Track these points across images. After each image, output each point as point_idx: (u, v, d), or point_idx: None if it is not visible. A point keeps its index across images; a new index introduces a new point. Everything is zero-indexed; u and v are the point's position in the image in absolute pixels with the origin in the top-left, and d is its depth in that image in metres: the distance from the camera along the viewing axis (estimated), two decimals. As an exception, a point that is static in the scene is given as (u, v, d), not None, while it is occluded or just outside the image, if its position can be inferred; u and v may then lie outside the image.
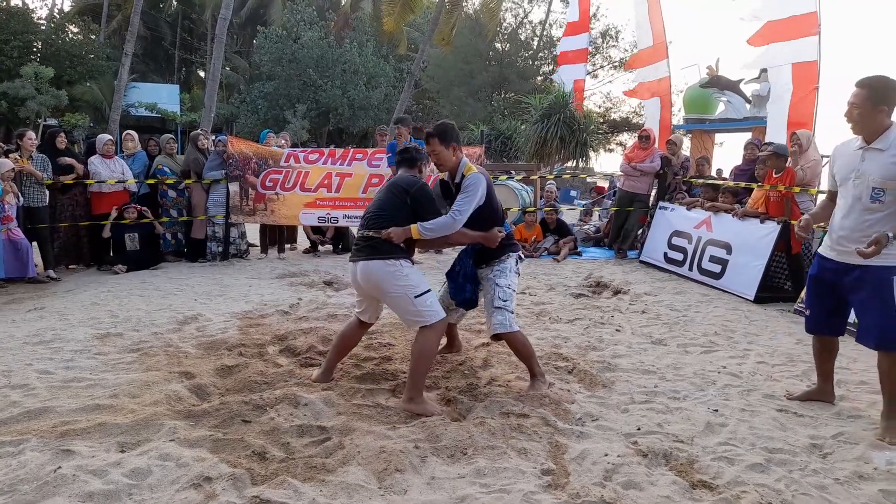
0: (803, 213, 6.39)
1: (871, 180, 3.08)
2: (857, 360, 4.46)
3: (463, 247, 3.71)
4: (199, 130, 8.57)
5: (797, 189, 6.30)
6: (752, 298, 6.27)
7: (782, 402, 3.61)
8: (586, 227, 10.51)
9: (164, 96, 25.29)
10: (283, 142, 8.85)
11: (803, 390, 3.69)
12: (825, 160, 9.68)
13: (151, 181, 7.74)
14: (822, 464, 2.86)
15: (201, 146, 8.03)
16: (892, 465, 2.84)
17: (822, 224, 3.87)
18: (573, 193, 18.12)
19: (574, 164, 16.44)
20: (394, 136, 7.92)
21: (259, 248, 8.47)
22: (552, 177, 11.44)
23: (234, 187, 7.88)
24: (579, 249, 9.01)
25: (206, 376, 3.71)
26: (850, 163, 3.21)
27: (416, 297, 3.30)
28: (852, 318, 3.73)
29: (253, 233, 8.84)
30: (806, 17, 8.88)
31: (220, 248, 7.82)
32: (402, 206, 3.39)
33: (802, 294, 5.86)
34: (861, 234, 3.13)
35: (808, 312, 3.55)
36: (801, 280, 6.18)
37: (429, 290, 3.38)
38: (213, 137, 8.61)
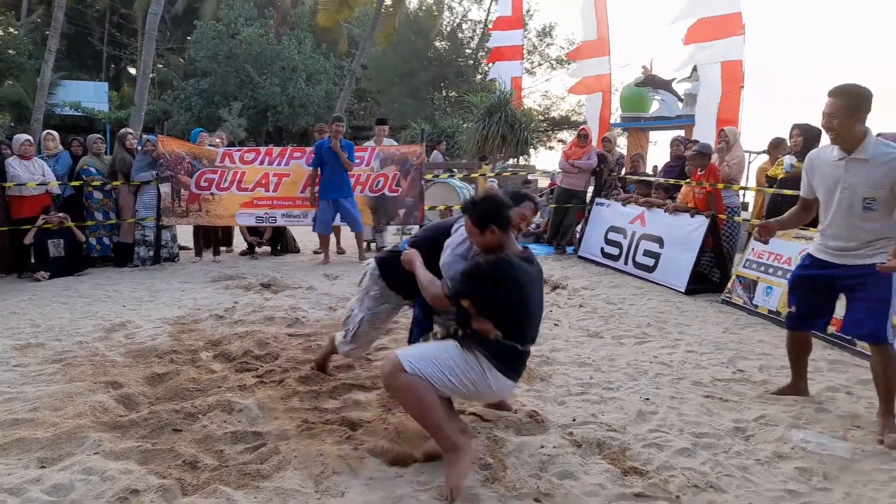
0: (727, 208, 6.71)
1: (862, 191, 3.07)
2: (778, 347, 4.69)
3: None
4: (126, 129, 8.20)
5: (721, 185, 6.57)
6: (683, 290, 6.50)
7: (709, 389, 3.76)
8: (526, 223, 10.65)
9: (90, 94, 24.17)
10: (217, 140, 8.60)
11: (779, 387, 3.71)
12: (753, 156, 10.11)
13: (76, 183, 7.39)
14: (745, 445, 3.00)
15: (129, 146, 7.72)
16: (807, 443, 3.00)
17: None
18: (515, 191, 18.28)
19: (515, 162, 16.66)
20: (328, 134, 7.77)
21: (193, 251, 8.20)
22: (492, 174, 11.55)
23: (165, 188, 7.61)
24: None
25: (134, 385, 3.58)
26: (833, 173, 3.18)
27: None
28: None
29: (186, 236, 8.57)
30: (731, 17, 9.28)
31: (151, 253, 7.53)
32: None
33: (730, 284, 6.13)
34: (859, 241, 3.14)
35: (792, 309, 3.53)
36: (728, 271, 6.46)
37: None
38: (143, 137, 8.29)
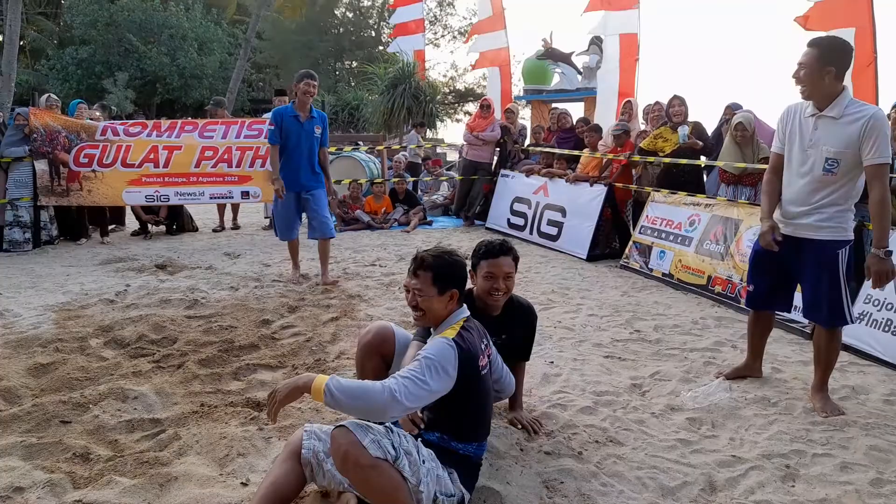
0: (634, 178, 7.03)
1: (825, 150, 2.91)
2: (671, 307, 4.99)
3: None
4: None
5: (637, 157, 6.83)
6: (584, 257, 6.77)
7: (609, 349, 3.95)
8: (434, 196, 10.68)
9: (-50, 62, 21.67)
10: (97, 113, 7.97)
11: (732, 367, 3.54)
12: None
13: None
14: (641, 401, 3.18)
15: (-3, 119, 7.01)
16: (696, 396, 3.22)
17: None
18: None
19: (422, 135, 16.60)
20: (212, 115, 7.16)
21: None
22: (398, 147, 11.45)
23: (41, 165, 6.98)
24: (429, 219, 9.14)
25: (15, 378, 3.29)
26: (802, 129, 3.03)
27: None
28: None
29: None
30: None
31: (28, 235, 6.91)
32: None
33: (627, 250, 6.44)
34: (810, 206, 2.99)
35: (750, 288, 3.36)
36: (626, 237, 6.77)
37: None
38: (14, 110, 7.54)
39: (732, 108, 6.64)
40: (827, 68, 2.88)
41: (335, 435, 1.91)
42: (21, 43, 18.62)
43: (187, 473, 2.37)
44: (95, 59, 22.48)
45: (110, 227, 7.90)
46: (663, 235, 6.05)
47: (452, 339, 2.09)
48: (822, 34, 3.18)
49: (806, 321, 4.05)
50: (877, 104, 9.27)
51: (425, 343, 2.21)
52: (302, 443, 2.08)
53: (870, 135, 2.81)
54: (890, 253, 2.88)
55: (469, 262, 2.58)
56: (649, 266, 6.07)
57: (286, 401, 1.96)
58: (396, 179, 9.32)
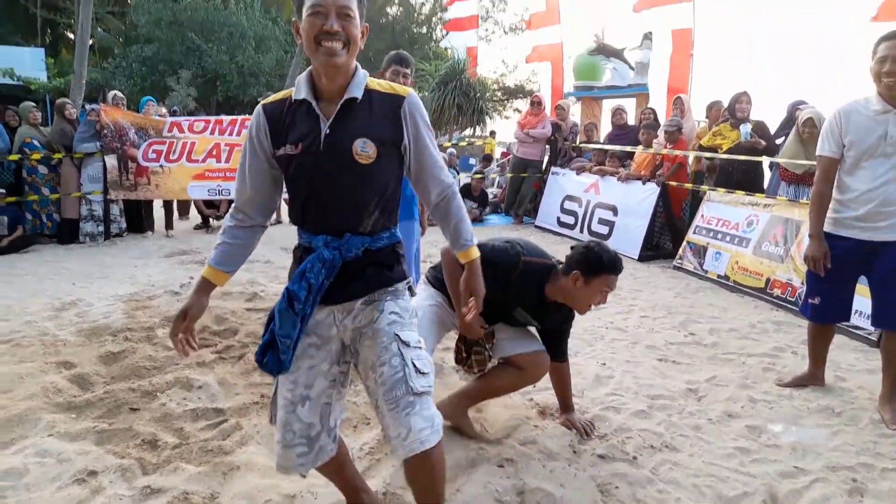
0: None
1: None
2: (726, 310, 4.88)
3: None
4: (64, 99, 7.81)
5: (692, 155, 6.69)
6: (636, 257, 6.66)
7: (663, 352, 3.89)
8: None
9: (26, 61, 22.80)
10: (164, 111, 8.29)
11: (794, 376, 3.42)
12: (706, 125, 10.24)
13: (14, 157, 7.03)
14: (698, 406, 3.13)
15: (69, 116, 7.37)
16: (755, 402, 3.15)
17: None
18: (472, 161, 18.32)
19: (472, 132, 16.62)
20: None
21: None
22: (449, 144, 11.50)
23: (111, 160, 7.32)
24: (481, 217, 9.17)
25: (88, 365, 3.48)
26: (875, 128, 2.87)
27: None
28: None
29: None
30: None
31: (101, 228, 7.27)
32: None
33: (680, 251, 6.30)
34: (892, 209, 2.87)
35: (816, 301, 3.17)
36: (680, 238, 6.64)
37: None
38: (87, 107, 7.91)
39: (795, 106, 6.40)
40: None
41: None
42: (90, 41, 19.48)
43: (249, 463, 2.46)
44: (160, 57, 23.31)
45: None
46: (719, 236, 5.90)
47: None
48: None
49: (872, 328, 3.89)
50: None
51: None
52: None
53: None
54: None
55: (566, 264, 2.54)
56: (704, 267, 5.93)
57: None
58: (478, 176, 9.40)
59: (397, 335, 1.74)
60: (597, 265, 2.48)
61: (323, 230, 1.75)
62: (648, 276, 5.98)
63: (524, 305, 2.59)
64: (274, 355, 1.72)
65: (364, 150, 1.68)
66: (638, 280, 5.81)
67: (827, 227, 3.06)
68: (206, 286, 1.84)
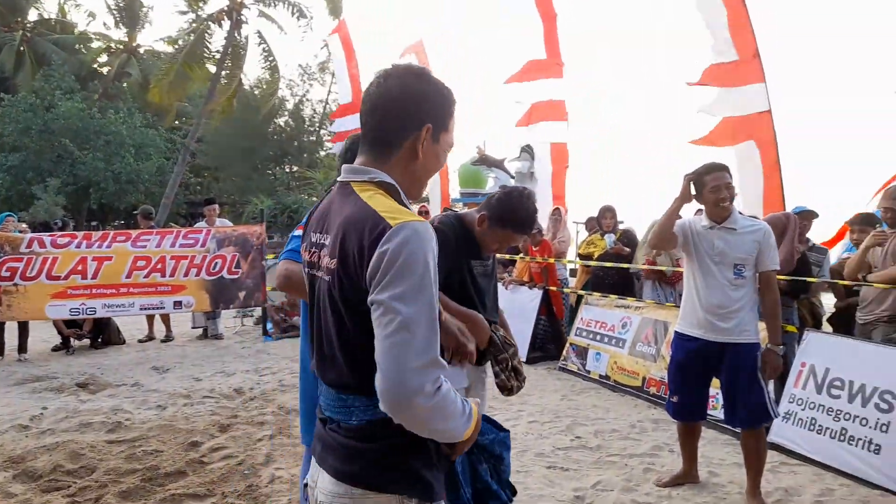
0: (561, 281, 7.26)
1: (734, 258, 3.18)
2: (609, 411, 5.05)
3: None
4: None
5: (552, 259, 7.10)
6: (524, 360, 6.81)
7: (551, 459, 3.92)
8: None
9: None
10: (23, 226, 7.73)
11: (672, 475, 3.56)
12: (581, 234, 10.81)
13: None
14: (585, 515, 3.14)
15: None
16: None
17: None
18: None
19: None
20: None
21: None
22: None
23: (-42, 280, 6.63)
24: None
25: None
26: (706, 242, 3.26)
27: None
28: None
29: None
30: (557, 104, 10.18)
31: (-62, 354, 6.45)
32: None
33: (564, 352, 6.53)
34: (728, 310, 3.18)
35: (675, 399, 3.40)
36: (562, 340, 6.89)
37: None
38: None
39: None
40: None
41: None
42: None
43: None
44: (27, 166, 21.98)
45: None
46: (598, 337, 6.20)
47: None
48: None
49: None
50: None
51: None
52: None
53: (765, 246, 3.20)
54: (784, 349, 3.22)
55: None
56: (587, 368, 6.16)
57: None
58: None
59: None
60: (503, 217, 2.34)
61: None
62: (537, 378, 6.11)
63: (471, 255, 2.44)
64: None
65: None
66: (527, 382, 5.90)
67: (680, 328, 3.40)
68: None
